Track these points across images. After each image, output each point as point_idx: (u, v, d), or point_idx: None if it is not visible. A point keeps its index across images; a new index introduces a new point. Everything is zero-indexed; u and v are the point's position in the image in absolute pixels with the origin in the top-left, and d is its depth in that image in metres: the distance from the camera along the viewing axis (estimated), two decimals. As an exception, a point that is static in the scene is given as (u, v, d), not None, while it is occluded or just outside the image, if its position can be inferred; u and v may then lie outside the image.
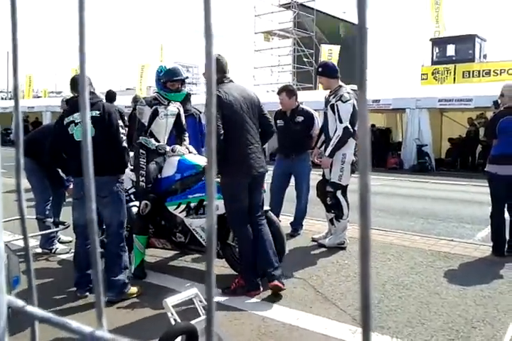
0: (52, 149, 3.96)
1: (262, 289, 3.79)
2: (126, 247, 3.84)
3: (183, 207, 4.03)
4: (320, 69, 5.10)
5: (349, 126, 4.73)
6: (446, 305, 3.55)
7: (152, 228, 4.29)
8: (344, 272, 4.32)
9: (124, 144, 3.78)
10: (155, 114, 4.20)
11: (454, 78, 20.77)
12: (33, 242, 5.07)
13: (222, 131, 3.57)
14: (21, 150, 0.44)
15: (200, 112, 5.83)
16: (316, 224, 6.15)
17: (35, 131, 5.48)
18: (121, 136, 3.76)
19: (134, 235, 4.19)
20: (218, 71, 3.80)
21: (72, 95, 4.11)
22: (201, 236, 4.02)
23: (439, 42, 22.24)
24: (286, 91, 5.56)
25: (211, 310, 0.36)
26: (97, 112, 3.66)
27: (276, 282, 3.71)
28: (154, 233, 4.32)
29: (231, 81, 3.88)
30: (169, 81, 4.18)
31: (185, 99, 4.80)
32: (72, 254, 4.33)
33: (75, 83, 3.95)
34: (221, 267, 4.14)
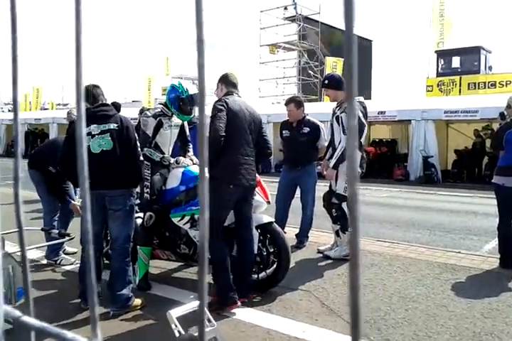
0: (63, 161, 3.75)
1: (239, 303, 3.63)
2: (131, 261, 3.82)
3: (187, 218, 4.03)
4: (326, 82, 5.12)
5: None
6: (454, 318, 3.50)
7: (156, 239, 4.29)
8: (350, 284, 4.28)
9: (141, 158, 3.76)
10: (159, 126, 4.22)
11: (460, 90, 20.78)
12: (39, 253, 5.08)
13: (224, 134, 3.54)
14: (19, 162, 0.44)
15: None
16: (322, 235, 6.11)
17: (42, 144, 5.58)
18: (138, 149, 3.73)
19: (138, 247, 4.17)
20: (229, 84, 3.86)
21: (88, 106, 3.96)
22: (206, 248, 4.00)
23: (444, 54, 22.30)
24: (295, 102, 5.62)
25: (202, 320, 0.36)
26: (115, 125, 3.60)
27: (229, 307, 3.59)
28: (159, 244, 4.31)
29: (239, 96, 3.91)
30: (188, 105, 4.22)
31: None
32: (77, 266, 4.32)
33: (88, 93, 3.69)
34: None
